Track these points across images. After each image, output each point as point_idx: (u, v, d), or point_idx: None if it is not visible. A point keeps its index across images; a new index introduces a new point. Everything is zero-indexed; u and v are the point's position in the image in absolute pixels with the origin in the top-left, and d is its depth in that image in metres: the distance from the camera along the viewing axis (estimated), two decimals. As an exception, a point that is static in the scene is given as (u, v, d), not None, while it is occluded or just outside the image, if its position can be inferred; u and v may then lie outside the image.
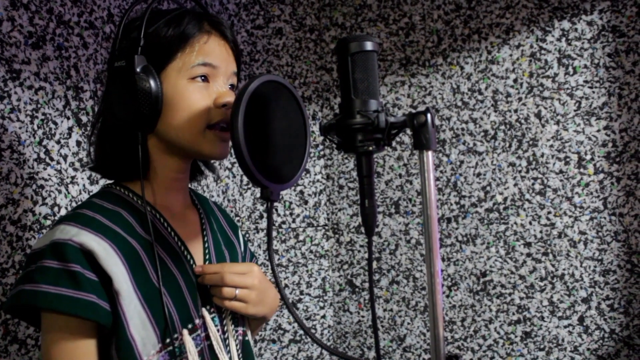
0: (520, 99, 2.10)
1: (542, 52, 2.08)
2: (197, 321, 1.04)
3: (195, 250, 1.09)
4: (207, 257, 1.11)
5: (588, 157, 2.03)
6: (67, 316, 0.90)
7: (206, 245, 1.12)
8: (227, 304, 1.05)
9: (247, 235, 2.23)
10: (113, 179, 1.08)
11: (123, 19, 1.00)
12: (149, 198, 1.06)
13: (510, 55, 2.11)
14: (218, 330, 1.07)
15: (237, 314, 1.12)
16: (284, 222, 2.29)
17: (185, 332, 1.00)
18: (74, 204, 1.39)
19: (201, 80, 1.01)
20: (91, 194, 1.12)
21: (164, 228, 1.05)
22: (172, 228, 1.06)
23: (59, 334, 0.91)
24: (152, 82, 0.96)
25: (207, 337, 1.05)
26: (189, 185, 1.20)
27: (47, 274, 0.89)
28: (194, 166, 1.19)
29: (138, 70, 0.95)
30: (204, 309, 1.05)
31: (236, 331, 1.12)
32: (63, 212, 1.36)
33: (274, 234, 2.28)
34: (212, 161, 1.25)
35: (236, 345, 1.11)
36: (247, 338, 1.16)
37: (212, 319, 1.07)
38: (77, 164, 1.41)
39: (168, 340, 0.98)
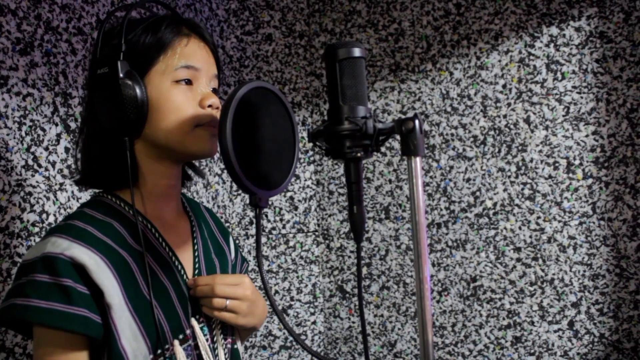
0: (509, 105, 2.11)
1: (531, 57, 2.09)
2: (187, 331, 1.04)
3: (185, 259, 1.09)
4: (197, 266, 1.10)
5: (577, 162, 2.04)
6: (59, 330, 0.89)
7: (196, 254, 1.12)
8: (217, 314, 1.05)
9: (237, 241, 2.23)
10: (101, 188, 1.07)
11: (102, 26, 1.00)
12: (139, 207, 1.05)
13: (499, 61, 2.13)
14: (207, 340, 1.07)
15: (226, 324, 1.12)
16: (274, 228, 2.29)
17: (176, 342, 1.00)
18: (62, 211, 1.38)
19: (185, 83, 1.01)
20: (82, 202, 1.11)
21: (155, 238, 1.04)
22: (162, 238, 1.05)
23: (51, 348, 0.91)
24: (136, 87, 0.96)
25: (197, 347, 1.05)
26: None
27: (39, 289, 0.89)
28: (182, 172, 1.19)
29: (122, 75, 0.95)
30: (193, 319, 1.05)
31: (225, 339, 1.12)
32: (51, 219, 1.35)
33: (264, 240, 2.28)
34: (201, 162, 1.24)
35: (225, 354, 1.11)
36: (235, 346, 1.16)
37: (201, 328, 1.06)
38: (66, 171, 1.41)
39: (159, 351, 0.98)
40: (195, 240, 1.14)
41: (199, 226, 1.18)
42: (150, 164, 1.04)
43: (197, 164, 1.24)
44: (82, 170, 1.06)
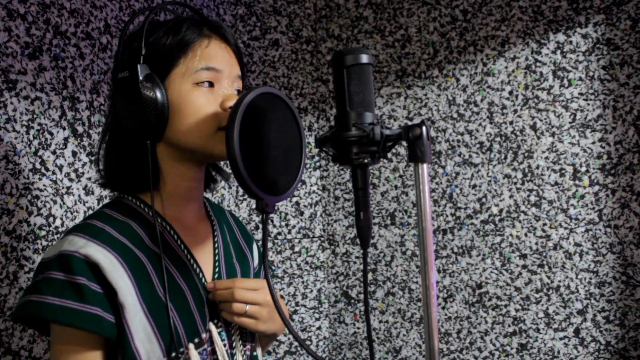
0: (515, 111, 2.11)
1: (538, 64, 2.09)
2: (203, 335, 1.03)
3: (205, 264, 1.08)
4: (217, 270, 1.09)
5: (583, 169, 2.03)
6: (73, 328, 0.90)
7: (216, 258, 1.11)
8: (237, 319, 1.04)
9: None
10: (124, 191, 1.07)
11: (124, 31, 1.00)
12: (160, 209, 1.05)
13: (506, 67, 2.12)
14: (225, 345, 1.05)
15: (246, 330, 1.11)
16: (279, 234, 2.29)
17: (191, 346, 1.00)
18: (69, 215, 1.38)
19: (207, 85, 1.00)
20: (104, 203, 1.11)
21: (174, 240, 1.04)
22: (181, 240, 1.05)
23: (66, 346, 0.92)
24: (156, 90, 0.96)
25: (213, 352, 1.04)
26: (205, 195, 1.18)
27: (53, 286, 0.90)
28: (207, 175, 1.18)
29: (141, 78, 0.95)
30: (211, 323, 1.04)
31: (244, 345, 1.11)
32: (58, 222, 1.35)
33: (270, 245, 2.28)
34: (223, 163, 1.23)
35: None
36: (255, 353, 1.14)
37: (219, 333, 1.05)
38: (73, 175, 1.41)
39: (174, 354, 0.97)
40: (216, 245, 1.13)
41: (220, 230, 1.17)
42: (172, 166, 1.04)
43: (222, 165, 1.23)
44: (105, 173, 1.06)
